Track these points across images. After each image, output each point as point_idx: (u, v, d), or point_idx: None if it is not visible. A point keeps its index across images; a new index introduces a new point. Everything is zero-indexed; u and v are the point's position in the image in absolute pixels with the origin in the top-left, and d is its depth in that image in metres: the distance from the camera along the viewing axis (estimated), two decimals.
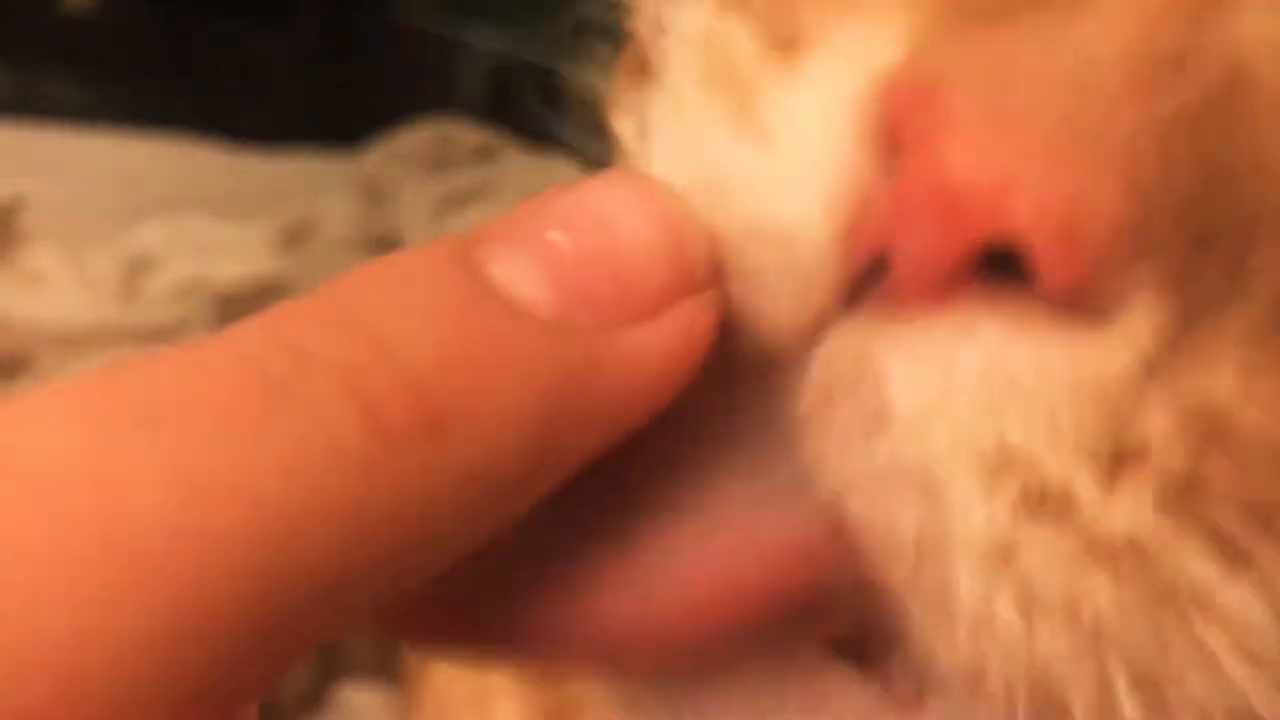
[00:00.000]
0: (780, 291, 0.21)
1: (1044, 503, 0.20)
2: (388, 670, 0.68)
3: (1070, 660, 0.20)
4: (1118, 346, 0.20)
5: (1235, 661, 0.20)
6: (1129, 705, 0.20)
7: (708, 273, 0.19)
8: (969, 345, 0.20)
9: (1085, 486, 0.20)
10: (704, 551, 0.21)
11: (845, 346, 0.21)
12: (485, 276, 0.16)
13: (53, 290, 0.99)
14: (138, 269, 1.03)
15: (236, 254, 1.01)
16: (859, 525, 0.21)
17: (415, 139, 1.12)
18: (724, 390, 0.21)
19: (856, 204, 0.20)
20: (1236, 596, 0.19)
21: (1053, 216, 0.18)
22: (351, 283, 0.16)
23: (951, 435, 0.20)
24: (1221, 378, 0.19)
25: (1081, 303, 0.19)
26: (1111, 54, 0.19)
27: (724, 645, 0.22)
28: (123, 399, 0.14)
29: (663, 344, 0.17)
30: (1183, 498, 0.20)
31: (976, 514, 0.20)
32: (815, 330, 0.21)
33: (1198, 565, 0.20)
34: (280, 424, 0.14)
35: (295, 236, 1.03)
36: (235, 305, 0.94)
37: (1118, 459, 0.20)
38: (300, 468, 0.14)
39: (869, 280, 0.21)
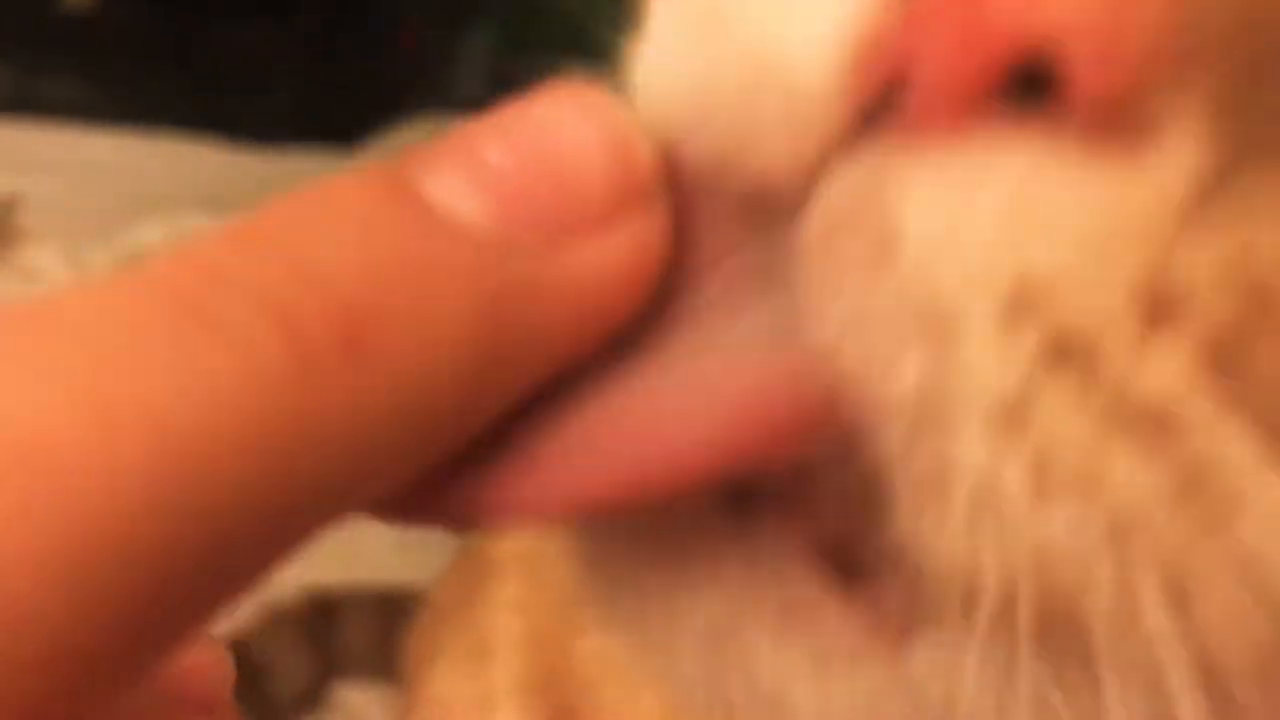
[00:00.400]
0: (782, 126, 0.18)
1: (1068, 353, 0.17)
2: (387, 670, 0.68)
3: (1086, 555, 0.17)
4: (1157, 179, 0.17)
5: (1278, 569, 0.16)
6: (1155, 616, 0.17)
7: (657, 183, 0.18)
8: (993, 172, 0.17)
9: (1116, 336, 0.17)
10: (680, 403, 0.18)
11: (853, 179, 0.18)
12: (420, 196, 0.16)
13: (50, 287, 0.99)
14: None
15: None
16: (853, 376, 0.18)
17: (414, 138, 1.13)
18: (711, 240, 0.19)
19: (869, 26, 0.18)
20: None
21: (1089, 20, 0.16)
22: (278, 208, 0.15)
23: (968, 268, 0.17)
24: (1272, 232, 0.17)
25: (1118, 125, 0.17)
26: None
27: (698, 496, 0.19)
28: (31, 325, 0.14)
29: (612, 258, 0.16)
30: (1225, 364, 0.17)
31: (989, 361, 0.17)
32: (821, 167, 0.18)
33: (1238, 449, 0.16)
34: (191, 345, 0.13)
35: None
36: None
37: (1154, 307, 0.17)
38: (214, 389, 0.13)
39: (882, 112, 0.18)
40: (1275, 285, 0.17)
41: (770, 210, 0.19)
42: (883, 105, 0.18)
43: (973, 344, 0.17)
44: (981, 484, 0.17)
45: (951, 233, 0.17)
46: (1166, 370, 0.17)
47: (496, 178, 0.16)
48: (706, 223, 0.19)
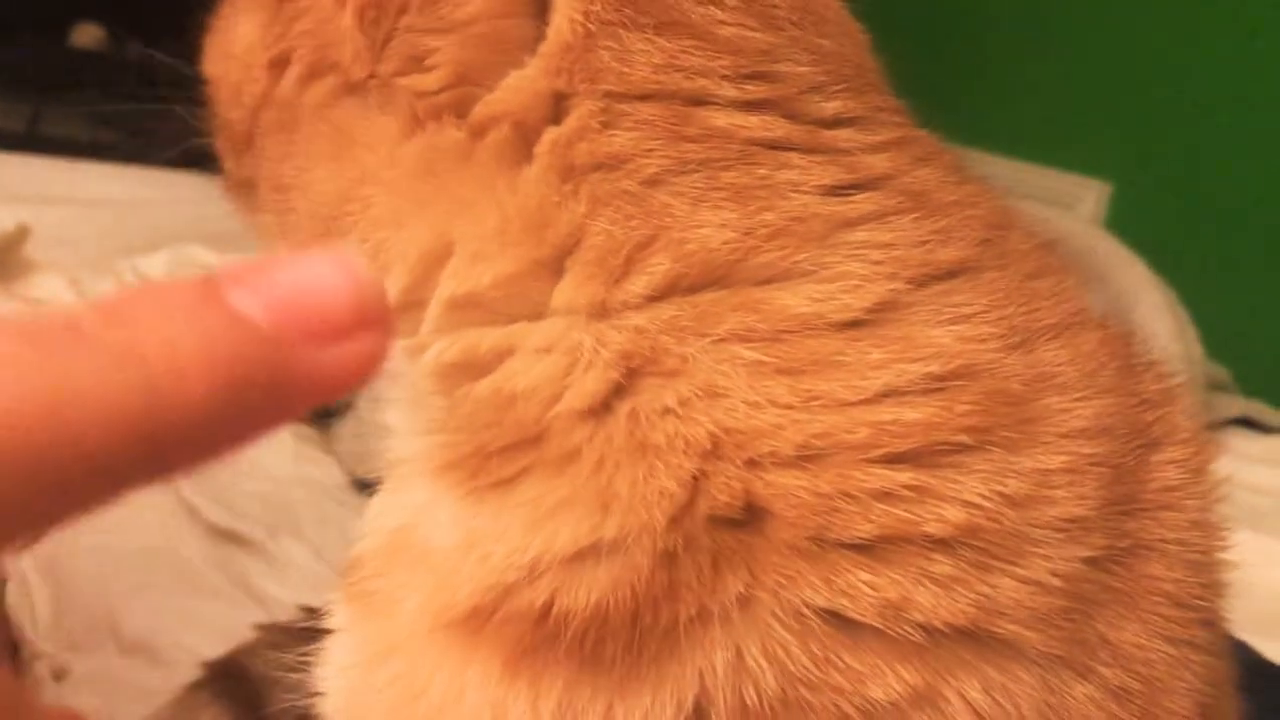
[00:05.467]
0: None
1: None
2: None
3: None
4: None
5: None
6: None
7: (384, 316, 0.25)
8: None
9: None
10: None
11: None
12: (221, 295, 0.23)
13: None
14: None
15: None
16: None
17: None
18: None
19: None
20: None
21: None
22: (134, 290, 0.23)
23: None
24: None
25: None
26: None
27: None
28: None
29: (344, 359, 0.24)
30: None
31: None
32: None
33: None
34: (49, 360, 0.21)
35: None
36: None
37: None
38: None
39: None
40: None
41: None
42: None
43: None
44: None
45: None
46: None
47: (276, 298, 0.23)
48: None
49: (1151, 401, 0.43)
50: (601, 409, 0.39)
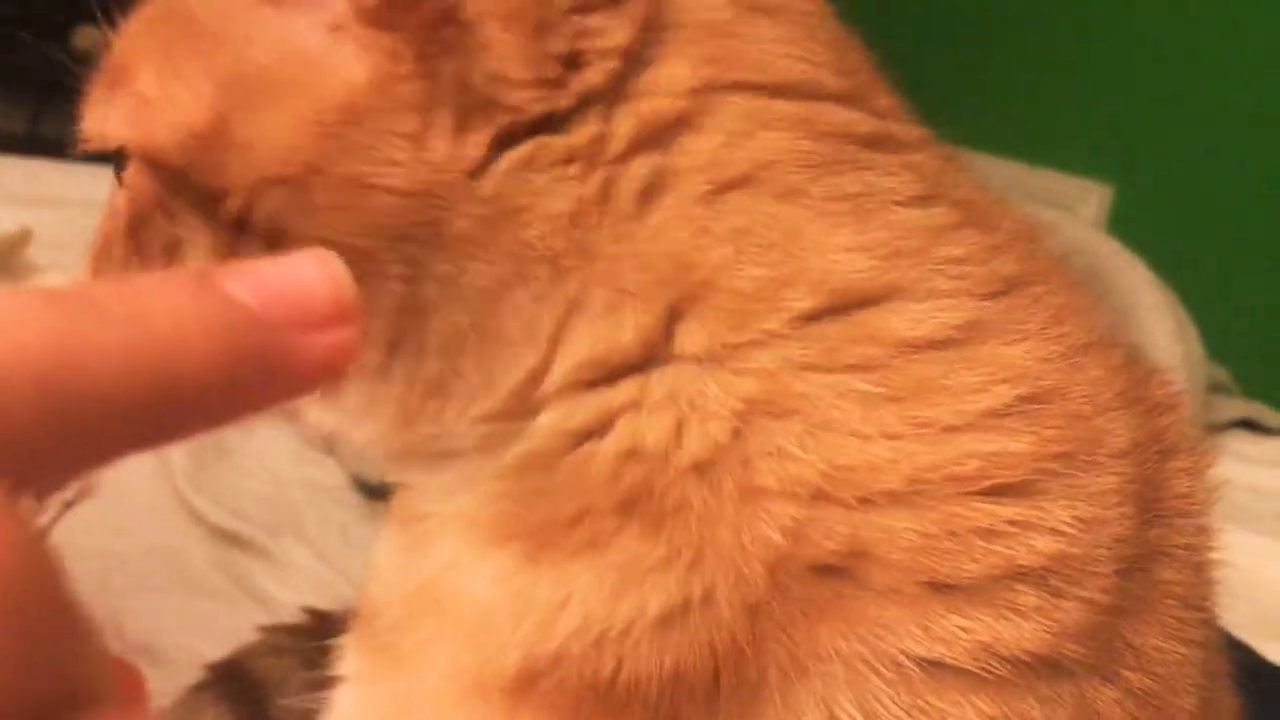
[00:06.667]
0: None
1: None
2: None
3: None
4: None
5: None
6: None
7: (357, 313, 0.27)
8: None
9: None
10: None
11: None
12: (217, 284, 0.25)
13: None
14: None
15: None
16: None
17: None
18: None
19: None
20: None
21: None
22: (137, 275, 0.25)
23: None
24: None
25: None
26: None
27: None
28: None
29: (325, 347, 0.26)
30: None
31: None
32: None
33: None
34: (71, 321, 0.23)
35: None
36: None
37: None
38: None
39: None
40: None
41: None
42: None
43: None
44: None
45: None
46: None
47: (265, 289, 0.25)
48: None
49: (1162, 407, 0.43)
50: (717, 458, 0.36)
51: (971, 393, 0.37)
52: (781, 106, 0.37)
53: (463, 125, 0.36)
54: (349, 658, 0.43)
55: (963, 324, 0.37)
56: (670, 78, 0.37)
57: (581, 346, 0.37)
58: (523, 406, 0.38)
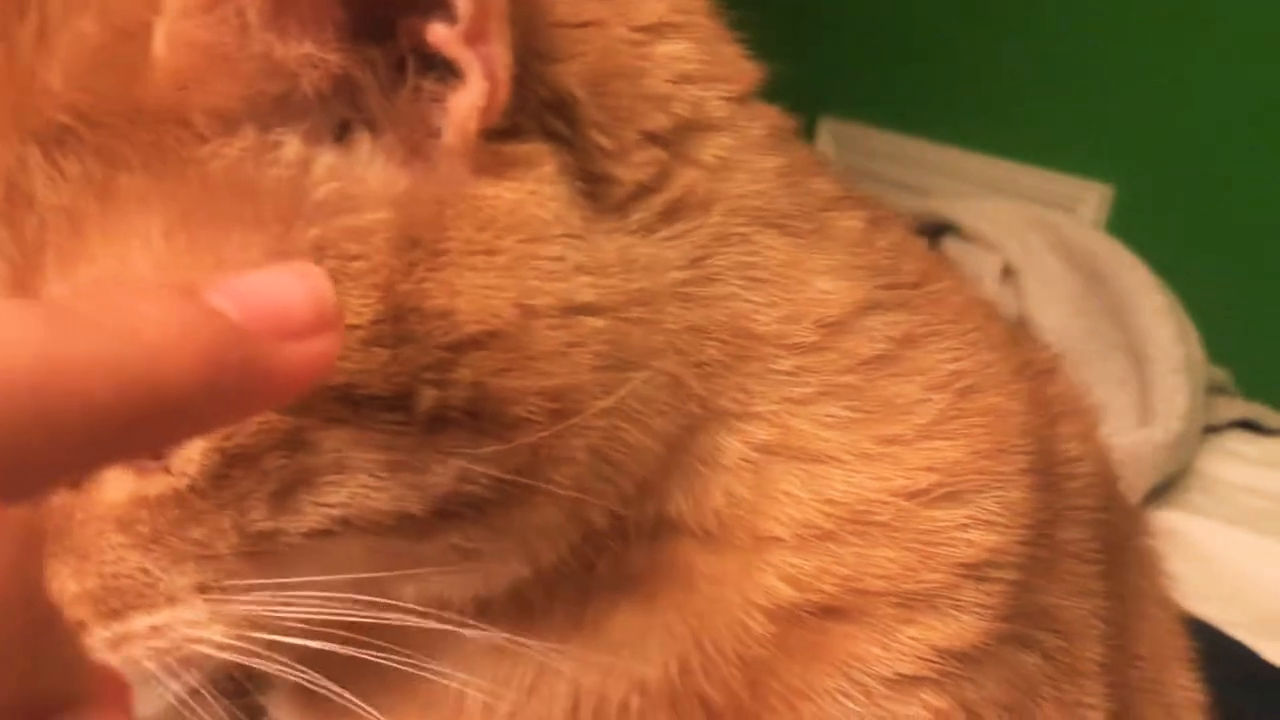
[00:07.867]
0: None
1: None
2: None
3: None
4: None
5: None
6: None
7: (338, 321, 0.27)
8: None
9: None
10: None
11: None
12: (200, 296, 0.26)
13: None
14: None
15: None
16: None
17: None
18: None
19: None
20: None
21: None
22: (120, 289, 0.25)
23: None
24: None
25: None
26: None
27: None
28: None
29: (305, 354, 0.27)
30: None
31: None
32: None
33: None
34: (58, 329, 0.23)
35: None
36: None
37: None
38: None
39: None
40: None
41: None
42: None
43: None
44: None
45: None
46: None
47: (246, 301, 0.26)
48: None
49: (1046, 374, 0.45)
50: (727, 515, 0.38)
51: (916, 404, 0.39)
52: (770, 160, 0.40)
53: None
54: None
55: (900, 336, 0.40)
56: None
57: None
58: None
